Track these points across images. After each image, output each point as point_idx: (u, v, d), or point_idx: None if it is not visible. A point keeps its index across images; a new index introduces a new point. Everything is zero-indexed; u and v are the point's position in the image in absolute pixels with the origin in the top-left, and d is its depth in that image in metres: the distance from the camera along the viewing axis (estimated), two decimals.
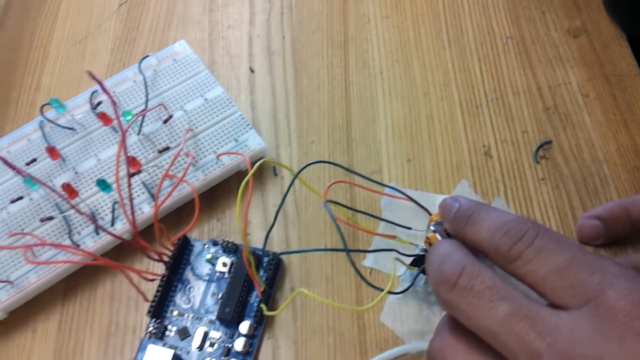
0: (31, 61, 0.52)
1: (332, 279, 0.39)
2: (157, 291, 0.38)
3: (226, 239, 0.40)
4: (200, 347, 0.37)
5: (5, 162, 0.39)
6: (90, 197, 0.41)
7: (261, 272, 0.38)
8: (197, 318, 0.38)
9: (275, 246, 0.41)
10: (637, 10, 0.46)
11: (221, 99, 0.45)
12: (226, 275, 0.39)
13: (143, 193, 0.41)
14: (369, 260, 0.39)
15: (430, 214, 0.39)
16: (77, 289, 0.41)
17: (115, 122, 0.43)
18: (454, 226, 0.31)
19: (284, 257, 0.40)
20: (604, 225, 0.37)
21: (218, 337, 0.37)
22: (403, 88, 0.46)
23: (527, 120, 0.44)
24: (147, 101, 0.44)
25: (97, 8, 0.54)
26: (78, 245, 0.39)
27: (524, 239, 0.27)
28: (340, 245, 0.33)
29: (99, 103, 0.44)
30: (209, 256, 0.40)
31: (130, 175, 0.37)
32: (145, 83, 0.45)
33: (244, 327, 0.37)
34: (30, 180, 0.39)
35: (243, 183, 0.34)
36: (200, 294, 0.39)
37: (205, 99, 0.45)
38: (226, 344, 0.37)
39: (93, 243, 0.40)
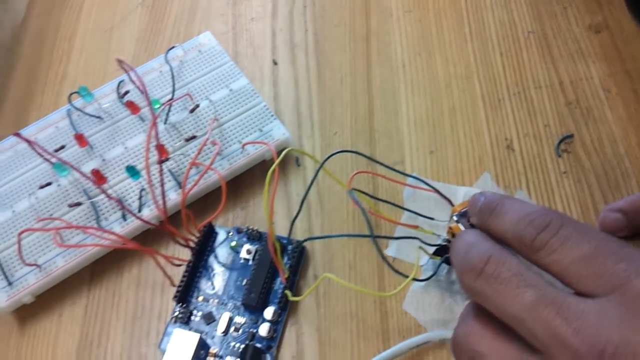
0: (57, 51, 0.53)
1: (355, 266, 0.40)
2: (184, 276, 0.39)
3: (251, 227, 0.40)
4: (225, 332, 0.38)
5: (36, 147, 0.40)
6: (117, 184, 0.42)
7: (285, 259, 0.39)
8: (221, 303, 0.39)
9: (299, 235, 0.41)
10: None
11: (246, 89, 0.45)
12: (250, 263, 0.40)
13: (170, 181, 0.42)
14: (391, 250, 0.40)
15: (452, 205, 0.39)
16: (103, 274, 0.41)
17: (142, 110, 0.44)
18: (479, 219, 0.32)
19: (306, 245, 0.41)
20: (626, 217, 0.38)
21: (242, 322, 0.38)
22: (425, 81, 0.47)
23: (549, 114, 0.44)
24: (173, 91, 0.44)
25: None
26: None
27: (548, 229, 0.28)
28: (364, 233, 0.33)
29: (127, 92, 0.45)
30: (233, 243, 0.40)
31: (160, 162, 0.38)
32: (172, 73, 0.45)
33: (269, 312, 0.37)
34: (61, 165, 0.40)
35: (270, 171, 0.34)
36: (224, 280, 0.39)
37: (230, 90, 0.45)
38: (251, 329, 0.37)
39: (120, 229, 0.40)
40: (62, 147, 0.43)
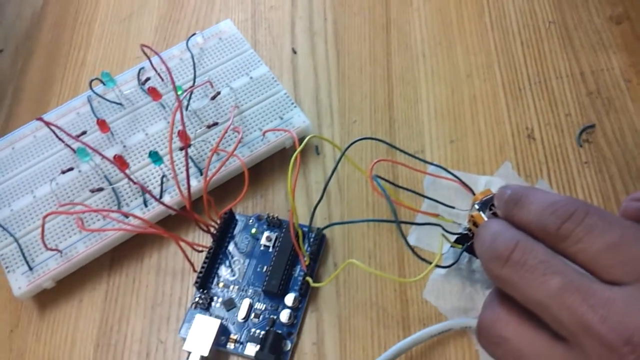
0: (76, 38, 0.53)
1: (375, 255, 0.40)
2: (204, 262, 0.39)
3: (271, 214, 0.40)
4: (246, 318, 0.38)
5: (61, 131, 0.40)
6: (137, 170, 0.42)
7: (306, 246, 0.39)
8: (242, 290, 0.39)
9: (319, 223, 0.41)
10: None
11: (266, 77, 0.45)
12: (270, 250, 0.40)
13: (190, 167, 0.42)
14: (412, 238, 0.40)
15: (474, 194, 0.39)
16: (123, 260, 0.42)
17: (164, 97, 0.44)
18: (504, 210, 0.31)
19: (326, 234, 0.41)
20: None
21: (263, 308, 0.38)
22: (445, 70, 0.47)
23: (570, 104, 0.44)
24: (194, 77, 0.45)
25: None
26: (126, 217, 0.40)
27: (573, 218, 0.27)
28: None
29: (148, 79, 0.45)
30: (253, 231, 0.41)
31: (182, 148, 0.38)
32: (193, 60, 0.45)
33: (289, 299, 0.37)
34: (84, 150, 0.40)
35: (293, 157, 0.34)
36: (244, 267, 0.40)
37: (251, 78, 0.45)
38: (271, 316, 0.38)
39: (141, 215, 0.40)
40: (84, 132, 0.43)
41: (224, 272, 0.40)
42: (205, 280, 0.39)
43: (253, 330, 0.37)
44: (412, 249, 0.33)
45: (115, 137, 0.43)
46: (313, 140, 0.45)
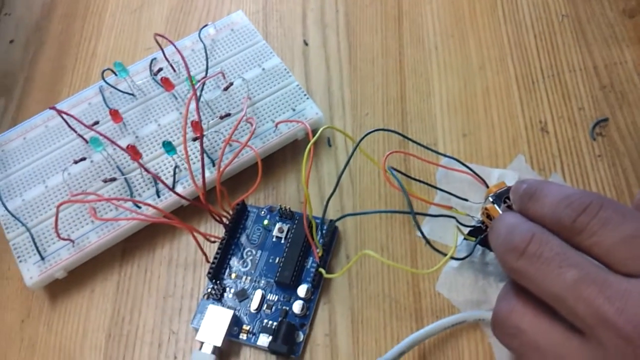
0: (87, 29, 0.53)
1: (387, 247, 0.40)
2: (217, 253, 0.39)
3: (284, 206, 0.40)
4: (258, 309, 0.38)
5: (75, 119, 0.40)
6: (150, 160, 0.42)
7: (318, 238, 0.39)
8: (254, 281, 0.39)
9: (331, 215, 0.41)
10: None
11: (278, 69, 0.45)
12: (282, 241, 0.40)
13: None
14: (425, 230, 0.39)
15: (487, 186, 0.39)
16: (135, 251, 0.42)
17: (176, 88, 0.44)
18: (519, 204, 0.31)
19: (339, 226, 0.41)
20: None
21: (275, 299, 0.38)
22: (458, 63, 0.46)
23: (583, 97, 0.44)
24: (207, 68, 0.44)
25: None
26: (139, 207, 0.40)
27: (587, 211, 0.27)
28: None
29: (160, 69, 0.45)
30: (265, 222, 0.40)
31: (195, 139, 0.38)
32: (206, 51, 0.45)
33: (302, 290, 0.37)
34: (97, 140, 0.40)
35: (307, 148, 0.34)
36: (256, 258, 0.39)
37: (263, 69, 0.45)
38: (284, 307, 0.38)
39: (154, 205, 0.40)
40: (96, 122, 0.43)
41: (236, 263, 0.39)
42: (218, 271, 0.39)
43: (265, 321, 0.37)
44: (427, 240, 0.33)
45: (128, 127, 0.43)
46: (325, 132, 0.45)
